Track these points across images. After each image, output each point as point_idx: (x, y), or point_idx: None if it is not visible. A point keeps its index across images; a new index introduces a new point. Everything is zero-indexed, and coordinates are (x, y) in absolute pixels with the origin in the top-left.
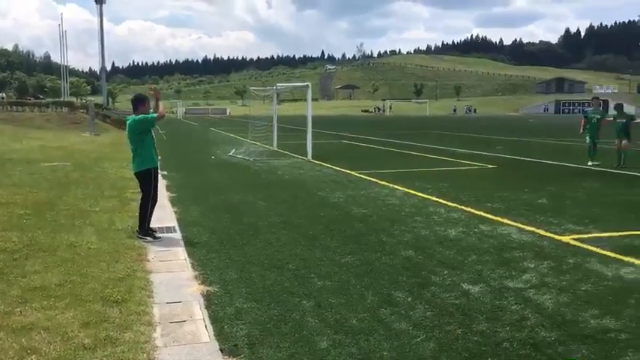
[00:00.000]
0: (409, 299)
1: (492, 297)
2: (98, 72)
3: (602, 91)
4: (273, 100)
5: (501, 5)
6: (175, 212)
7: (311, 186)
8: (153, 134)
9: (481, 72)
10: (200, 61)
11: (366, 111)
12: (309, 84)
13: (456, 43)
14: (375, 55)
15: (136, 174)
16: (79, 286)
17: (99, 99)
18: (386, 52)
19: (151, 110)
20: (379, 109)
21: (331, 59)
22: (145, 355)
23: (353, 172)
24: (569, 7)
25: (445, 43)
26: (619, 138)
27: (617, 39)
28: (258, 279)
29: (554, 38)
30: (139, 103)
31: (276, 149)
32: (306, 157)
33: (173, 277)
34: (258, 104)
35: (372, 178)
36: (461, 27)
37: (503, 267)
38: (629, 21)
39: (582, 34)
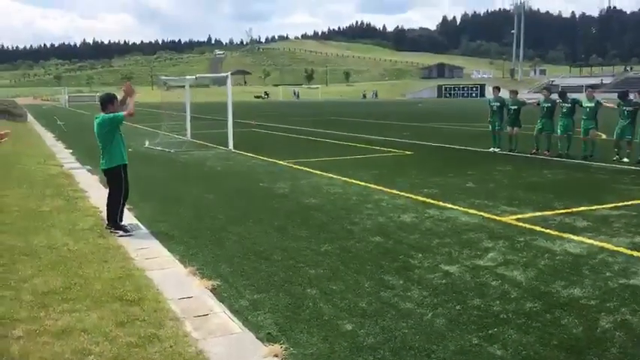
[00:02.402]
0: (401, 282)
1: (471, 275)
2: None
3: (480, 76)
4: (186, 89)
5: None
6: (129, 209)
7: (249, 177)
8: (121, 132)
9: (368, 57)
10: (78, 44)
11: (258, 97)
12: (229, 74)
13: (342, 28)
14: (263, 40)
15: (104, 171)
16: (86, 288)
17: None
18: (274, 37)
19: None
20: (267, 94)
21: (219, 44)
22: (193, 348)
23: (282, 162)
24: None
25: (332, 29)
26: (512, 125)
27: (489, 26)
28: (252, 271)
29: (432, 25)
30: (107, 102)
31: (192, 140)
32: (227, 147)
33: (170, 274)
34: (147, 91)
35: (303, 167)
36: (344, 12)
37: (467, 248)
38: (500, 9)
39: (458, 21)
